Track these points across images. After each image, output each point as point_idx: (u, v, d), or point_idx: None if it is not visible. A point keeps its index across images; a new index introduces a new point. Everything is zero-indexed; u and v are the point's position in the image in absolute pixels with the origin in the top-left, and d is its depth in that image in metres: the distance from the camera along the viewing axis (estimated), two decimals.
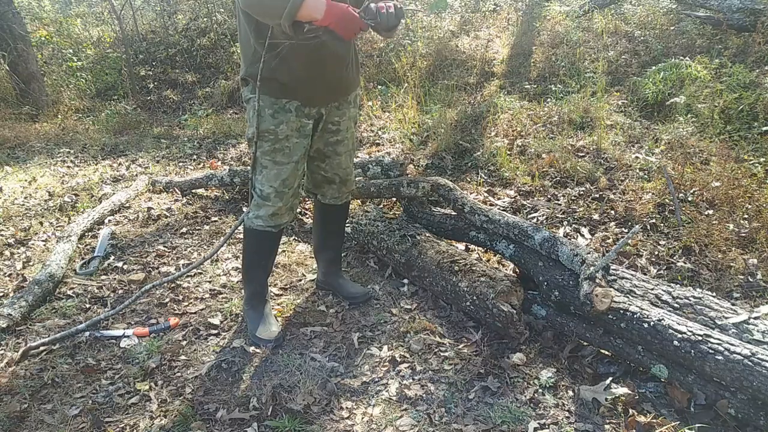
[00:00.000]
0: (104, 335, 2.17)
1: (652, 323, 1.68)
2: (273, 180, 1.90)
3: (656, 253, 2.50)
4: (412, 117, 4.45)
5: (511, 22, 6.57)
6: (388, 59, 5.76)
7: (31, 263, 2.83)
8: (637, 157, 3.39)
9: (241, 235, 3.01)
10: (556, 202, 3.07)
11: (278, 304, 2.35)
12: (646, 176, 3.16)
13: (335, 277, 2.39)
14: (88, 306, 2.41)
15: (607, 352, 1.92)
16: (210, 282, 2.58)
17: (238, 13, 1.81)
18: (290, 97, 1.82)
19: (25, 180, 4.10)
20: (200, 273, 2.66)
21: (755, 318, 1.70)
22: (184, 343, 2.13)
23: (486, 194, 3.23)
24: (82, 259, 2.84)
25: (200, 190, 3.74)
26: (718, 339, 1.58)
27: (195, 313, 2.33)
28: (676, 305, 1.83)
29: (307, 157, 1.98)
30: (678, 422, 1.60)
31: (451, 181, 2.81)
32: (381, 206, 3.10)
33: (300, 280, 2.55)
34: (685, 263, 2.40)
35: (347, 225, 2.82)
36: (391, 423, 1.69)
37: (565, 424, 1.65)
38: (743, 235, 2.50)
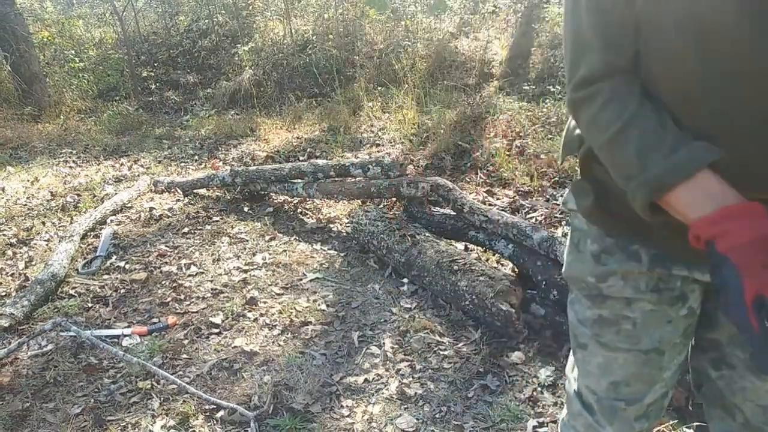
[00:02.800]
0: (103, 335, 2.19)
1: None
2: (594, 376, 0.96)
3: None
4: (411, 118, 4.47)
5: (510, 24, 6.59)
6: (388, 60, 5.78)
7: (33, 263, 2.85)
8: None
9: (244, 235, 3.05)
10: (555, 202, 3.08)
11: (279, 303, 2.37)
12: None
13: None
14: (90, 305, 2.43)
15: None
16: (211, 281, 2.59)
17: None
18: (638, 237, 0.85)
19: (28, 180, 4.12)
20: (202, 272, 2.68)
21: None
22: (185, 342, 2.15)
23: (485, 194, 3.24)
24: (85, 258, 2.86)
25: (202, 191, 3.76)
26: None
27: (197, 312, 2.34)
28: None
29: (684, 352, 0.95)
30: (675, 420, 1.61)
31: (450, 181, 2.82)
32: (381, 206, 3.11)
33: (300, 279, 2.56)
34: None
35: (347, 225, 2.84)
36: (391, 421, 1.70)
37: None
38: None
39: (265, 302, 2.39)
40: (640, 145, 0.70)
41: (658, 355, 0.88)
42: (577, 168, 0.90)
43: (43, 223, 3.34)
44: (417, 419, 1.71)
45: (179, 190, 3.77)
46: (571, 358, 1.04)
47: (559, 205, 3.02)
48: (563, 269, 0.98)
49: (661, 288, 0.85)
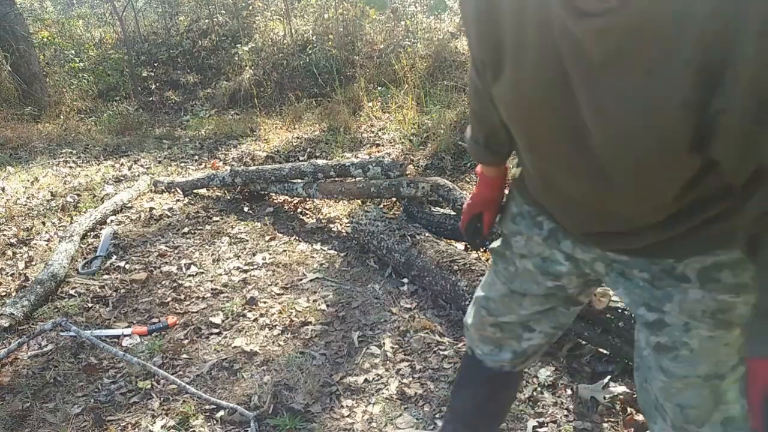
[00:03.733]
0: (103, 335, 2.19)
1: None
2: (484, 284, 1.24)
3: None
4: (411, 118, 4.47)
5: None
6: (388, 60, 5.78)
7: (33, 263, 2.85)
8: None
9: (244, 235, 3.05)
10: None
11: (279, 303, 2.37)
12: None
13: None
14: (90, 305, 2.43)
15: (605, 351, 1.93)
16: (211, 281, 2.59)
17: None
18: (541, 208, 1.04)
19: (28, 180, 4.12)
20: (202, 272, 2.68)
21: None
22: (185, 341, 2.15)
23: None
24: (85, 258, 2.86)
25: (202, 191, 3.76)
26: None
27: (196, 312, 2.34)
28: None
29: (547, 311, 1.14)
30: None
31: (450, 181, 2.82)
32: (381, 206, 3.11)
33: (301, 280, 2.56)
34: None
35: (347, 225, 2.84)
36: (391, 421, 1.70)
37: (564, 423, 1.66)
38: None
39: (265, 302, 2.39)
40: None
41: (520, 297, 1.14)
42: None
43: (43, 223, 3.34)
44: (417, 419, 1.71)
45: (179, 190, 3.77)
46: None
47: None
48: None
49: (544, 262, 1.08)
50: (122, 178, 4.20)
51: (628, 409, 1.66)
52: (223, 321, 2.27)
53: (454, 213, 2.62)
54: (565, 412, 1.70)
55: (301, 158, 4.26)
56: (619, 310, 1.77)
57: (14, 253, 2.95)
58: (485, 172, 1.18)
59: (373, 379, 1.90)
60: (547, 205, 1.00)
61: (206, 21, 7.43)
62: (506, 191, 1.21)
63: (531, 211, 1.07)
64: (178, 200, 3.66)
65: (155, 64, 7.08)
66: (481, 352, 1.26)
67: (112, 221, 3.35)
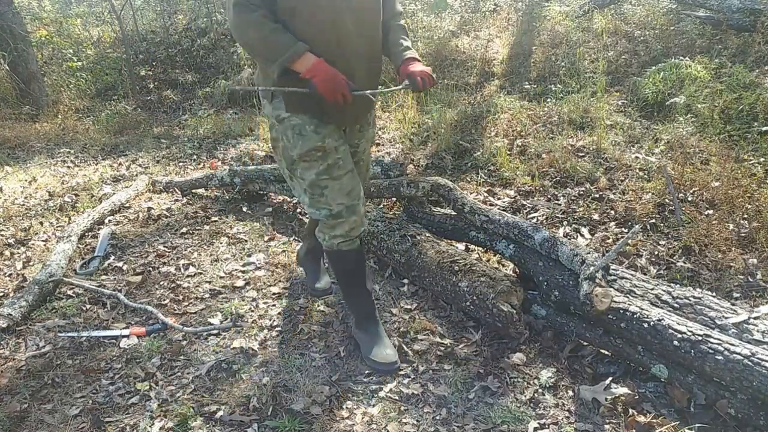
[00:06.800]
0: (101, 335, 2.18)
1: (651, 323, 1.68)
2: (339, 196, 1.78)
3: (656, 253, 2.50)
4: (412, 117, 4.45)
5: (511, 22, 6.57)
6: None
7: (31, 263, 2.83)
8: (637, 157, 3.39)
9: (243, 235, 3.04)
10: (556, 202, 3.07)
11: (278, 304, 2.35)
12: (646, 176, 3.16)
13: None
14: (87, 306, 2.42)
15: (607, 352, 1.92)
16: (210, 282, 2.58)
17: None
18: (326, 118, 1.76)
19: (26, 180, 4.11)
20: (200, 273, 2.67)
21: (755, 318, 1.70)
22: (184, 343, 2.13)
23: (486, 194, 3.23)
24: (83, 259, 2.84)
25: (200, 190, 3.74)
26: (718, 339, 1.58)
27: (195, 313, 2.33)
28: (675, 305, 1.83)
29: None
30: (678, 422, 1.60)
31: (451, 181, 2.81)
32: (381, 206, 3.10)
33: (300, 280, 2.55)
34: (685, 263, 2.40)
35: None
36: (391, 423, 1.69)
37: (565, 424, 1.65)
38: (743, 234, 2.50)
39: (264, 303, 2.38)
40: (279, 42, 1.61)
41: (353, 170, 1.83)
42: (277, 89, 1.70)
43: (41, 223, 3.33)
44: (417, 421, 1.70)
45: (177, 190, 3.76)
46: (306, 202, 1.85)
47: (560, 205, 3.01)
48: (291, 154, 1.79)
49: (341, 138, 1.82)
50: (120, 177, 4.18)
51: (630, 411, 1.65)
52: (221, 322, 2.26)
53: (455, 213, 2.61)
54: (567, 414, 1.69)
55: None
56: (621, 311, 1.76)
57: (12, 254, 2.94)
58: (312, 55, 1.63)
59: (373, 380, 1.88)
60: (333, 113, 1.75)
61: (205, 20, 7.41)
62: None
63: (320, 119, 1.76)
64: (176, 200, 3.65)
65: (153, 63, 7.05)
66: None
67: (110, 221, 3.34)
